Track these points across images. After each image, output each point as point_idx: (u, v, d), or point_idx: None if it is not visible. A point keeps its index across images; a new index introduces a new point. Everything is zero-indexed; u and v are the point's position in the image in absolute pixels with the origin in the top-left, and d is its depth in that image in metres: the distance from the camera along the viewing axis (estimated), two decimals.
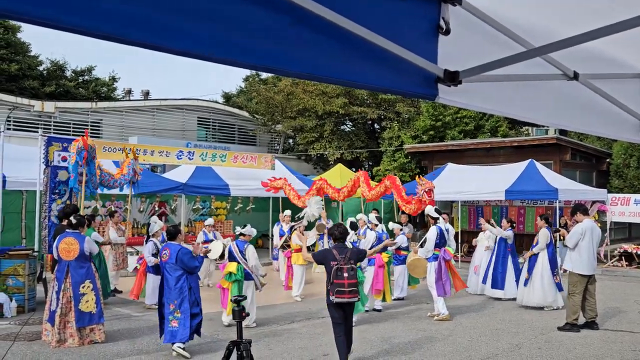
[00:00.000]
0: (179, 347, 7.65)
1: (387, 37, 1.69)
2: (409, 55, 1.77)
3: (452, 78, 1.93)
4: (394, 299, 11.90)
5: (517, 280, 11.86)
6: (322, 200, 13.46)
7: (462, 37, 1.98)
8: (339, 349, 7.10)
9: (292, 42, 1.50)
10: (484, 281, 12.56)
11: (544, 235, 11.18)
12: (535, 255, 11.21)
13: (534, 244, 11.35)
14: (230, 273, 8.91)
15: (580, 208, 9.75)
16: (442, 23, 1.90)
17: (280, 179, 15.69)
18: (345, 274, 6.85)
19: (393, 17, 1.77)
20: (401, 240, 11.95)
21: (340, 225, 7.56)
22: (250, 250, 9.15)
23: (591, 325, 9.61)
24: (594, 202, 17.35)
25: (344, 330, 7.10)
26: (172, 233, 8.06)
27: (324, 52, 1.59)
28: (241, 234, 9.27)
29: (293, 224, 12.95)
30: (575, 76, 2.55)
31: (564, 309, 10.82)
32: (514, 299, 11.69)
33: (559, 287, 11.23)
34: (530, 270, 11.24)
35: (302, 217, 12.67)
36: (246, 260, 9.01)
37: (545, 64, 2.39)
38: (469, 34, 2.03)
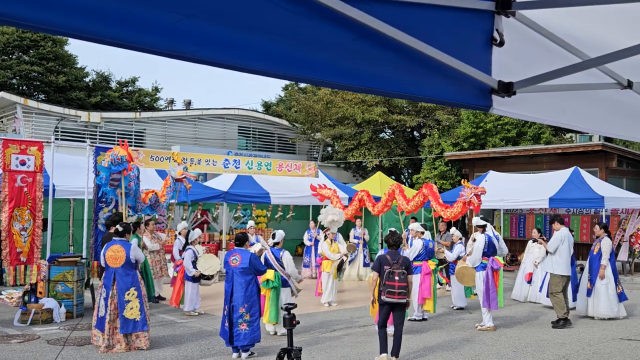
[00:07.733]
0: (250, 353, 8.08)
1: (442, 49, 1.71)
2: (464, 67, 1.78)
3: (507, 89, 1.93)
4: (456, 309, 11.99)
5: (574, 291, 11.56)
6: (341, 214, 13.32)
7: (516, 48, 1.98)
8: (379, 341, 7.76)
9: (352, 58, 1.52)
10: (541, 290, 12.30)
11: (607, 245, 10.88)
12: (597, 265, 10.89)
13: (595, 254, 11.04)
14: (268, 280, 9.03)
15: (557, 218, 10.92)
16: (496, 35, 1.91)
17: (330, 189, 15.69)
18: (397, 277, 7.49)
19: (448, 29, 1.79)
20: (459, 249, 11.71)
21: (394, 234, 8.16)
22: (287, 256, 9.30)
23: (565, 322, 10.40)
24: None
25: (385, 331, 7.78)
26: (242, 239, 8.42)
27: (381, 67, 1.61)
28: (275, 243, 9.39)
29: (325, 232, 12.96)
30: (629, 85, 2.52)
31: (622, 319, 10.78)
32: (573, 309, 11.43)
33: (621, 297, 10.97)
34: (592, 281, 10.96)
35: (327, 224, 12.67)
36: (283, 267, 9.13)
37: (598, 73, 2.37)
38: (523, 45, 2.03)
